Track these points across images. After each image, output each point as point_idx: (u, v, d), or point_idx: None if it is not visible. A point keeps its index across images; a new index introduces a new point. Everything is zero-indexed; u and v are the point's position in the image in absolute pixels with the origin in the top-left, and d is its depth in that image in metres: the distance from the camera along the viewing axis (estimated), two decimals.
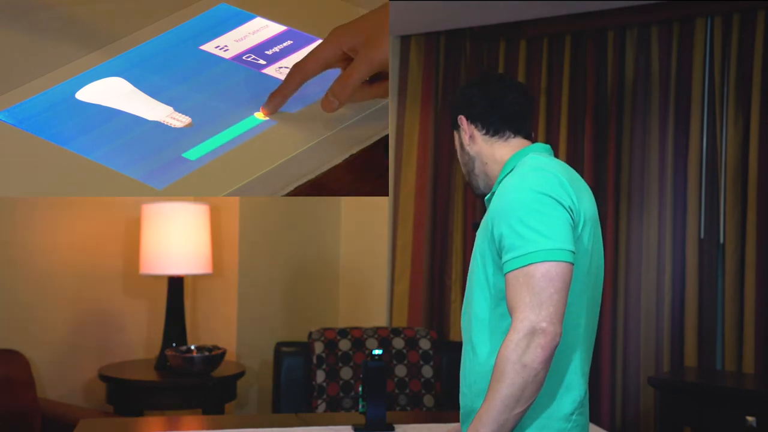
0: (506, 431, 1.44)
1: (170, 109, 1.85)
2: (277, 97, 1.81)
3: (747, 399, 2.85)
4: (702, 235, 3.39)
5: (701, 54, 3.42)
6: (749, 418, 2.81)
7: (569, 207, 1.51)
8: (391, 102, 4.01)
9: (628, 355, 3.50)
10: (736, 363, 3.28)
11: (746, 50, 3.32)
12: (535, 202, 1.49)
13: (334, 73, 1.88)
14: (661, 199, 3.47)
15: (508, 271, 1.48)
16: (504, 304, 1.54)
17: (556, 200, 1.49)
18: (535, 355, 1.40)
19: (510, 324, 1.52)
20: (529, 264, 1.44)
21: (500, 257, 1.53)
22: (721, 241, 3.38)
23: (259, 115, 1.83)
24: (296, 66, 1.79)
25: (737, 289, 3.30)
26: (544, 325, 1.41)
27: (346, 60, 1.77)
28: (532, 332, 1.41)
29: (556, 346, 1.42)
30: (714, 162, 3.38)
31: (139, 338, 3.59)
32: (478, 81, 1.75)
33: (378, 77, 1.79)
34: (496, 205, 1.55)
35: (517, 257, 1.46)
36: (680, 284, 3.41)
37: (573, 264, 1.47)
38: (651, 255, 3.47)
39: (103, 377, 3.15)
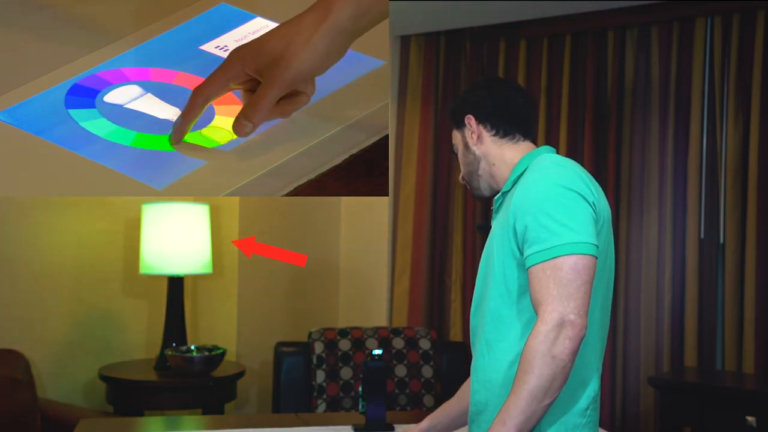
0: (533, 423, 1.44)
1: (176, 109, 1.86)
2: (182, 125, 1.76)
3: (747, 399, 2.85)
4: (702, 235, 3.39)
5: (701, 54, 3.42)
6: (749, 418, 2.81)
7: (593, 202, 1.53)
8: (391, 102, 4.02)
9: (628, 355, 3.50)
10: (736, 363, 3.28)
11: (746, 50, 3.32)
12: (560, 196, 1.50)
13: (334, 69, 1.88)
14: (661, 199, 3.47)
15: (533, 264, 1.48)
16: (524, 300, 1.55)
17: (580, 195, 1.51)
18: (564, 346, 1.41)
19: (529, 319, 1.54)
20: (557, 257, 1.45)
21: (521, 252, 1.53)
22: (721, 241, 3.38)
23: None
24: (197, 90, 1.73)
25: (737, 289, 3.30)
26: (572, 317, 1.42)
27: (251, 81, 1.73)
28: (561, 324, 1.42)
29: (583, 338, 1.44)
30: (714, 162, 3.38)
31: (139, 338, 3.59)
32: (486, 82, 1.77)
33: (292, 93, 1.75)
34: (518, 200, 1.56)
35: (543, 250, 1.47)
36: (680, 284, 3.41)
37: (597, 258, 1.49)
38: (651, 255, 3.47)
39: (103, 377, 3.15)
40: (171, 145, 1.78)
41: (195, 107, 1.74)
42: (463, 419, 1.85)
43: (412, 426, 1.93)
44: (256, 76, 1.72)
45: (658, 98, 3.50)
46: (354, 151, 1.82)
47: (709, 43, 3.42)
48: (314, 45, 1.68)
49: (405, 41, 4.02)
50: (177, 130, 1.77)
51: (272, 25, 2.04)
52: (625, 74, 3.58)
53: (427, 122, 3.97)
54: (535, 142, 1.75)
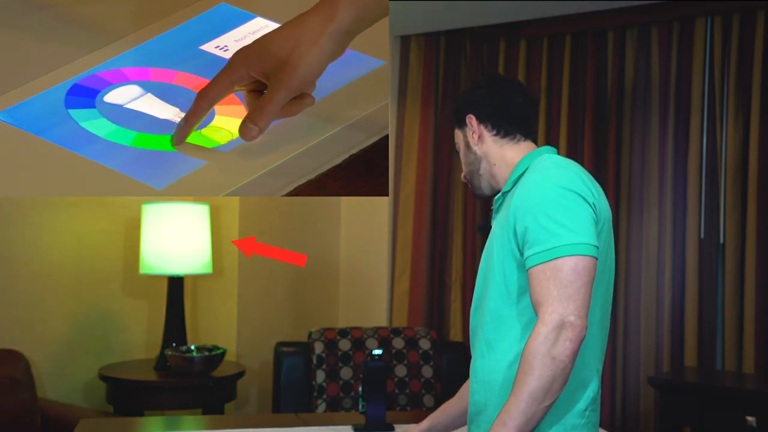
0: (533, 424, 1.45)
1: (176, 109, 1.86)
2: (186, 127, 1.75)
3: (747, 399, 2.85)
4: (702, 235, 3.39)
5: (701, 54, 3.42)
6: (749, 418, 2.81)
7: (593, 203, 1.53)
8: (391, 102, 4.02)
9: (628, 355, 3.50)
10: (736, 363, 3.28)
11: (746, 50, 3.32)
12: (561, 197, 1.50)
13: (334, 69, 1.88)
14: (661, 199, 3.47)
15: (534, 265, 1.48)
16: (524, 300, 1.55)
17: (580, 196, 1.51)
18: (564, 347, 1.41)
19: (529, 319, 1.54)
20: (557, 258, 1.45)
21: (521, 253, 1.53)
22: (721, 241, 3.38)
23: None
24: (201, 94, 1.73)
25: (737, 289, 3.30)
26: (572, 318, 1.42)
27: (255, 82, 1.73)
28: (561, 325, 1.42)
29: (583, 339, 1.44)
30: (714, 162, 3.38)
31: (139, 338, 3.59)
32: (487, 82, 1.76)
33: (299, 95, 1.75)
34: (518, 201, 1.56)
35: (543, 251, 1.47)
36: (680, 284, 3.41)
37: (597, 259, 1.49)
38: (651, 255, 3.47)
39: (103, 377, 3.15)
40: (173, 146, 1.78)
41: (199, 110, 1.74)
42: (463, 419, 1.85)
43: (412, 426, 1.93)
44: (262, 79, 1.72)
45: (658, 98, 3.50)
46: (354, 151, 1.82)
47: (709, 43, 3.42)
48: (321, 47, 1.67)
49: (405, 41, 4.02)
50: (180, 132, 1.77)
51: (272, 25, 2.04)
52: (625, 74, 3.58)
53: (427, 122, 3.97)
54: (536, 141, 1.75)
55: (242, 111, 1.86)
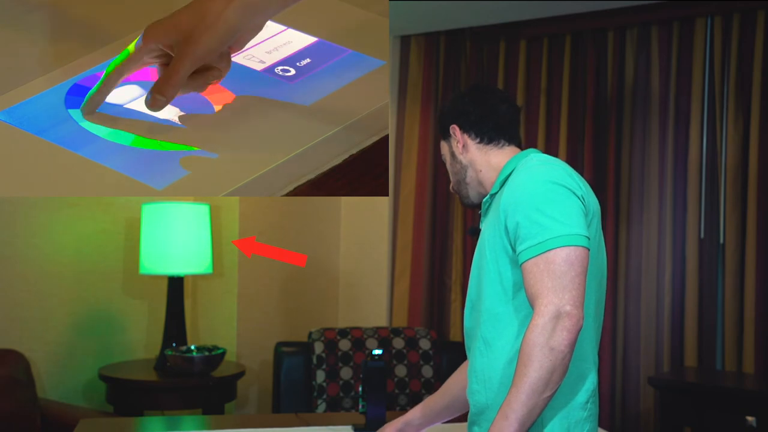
0: (535, 416, 1.45)
1: (176, 109, 1.86)
2: (96, 98, 1.79)
3: (747, 399, 2.85)
4: (702, 235, 3.39)
5: (701, 54, 3.42)
6: (749, 418, 2.81)
7: (581, 196, 1.55)
8: (391, 102, 4.02)
9: (628, 355, 3.50)
10: (736, 363, 3.28)
11: (746, 50, 3.32)
12: (549, 191, 1.52)
13: (334, 69, 1.87)
14: (661, 199, 3.47)
15: (527, 259, 1.49)
16: (520, 296, 1.56)
17: (568, 189, 1.53)
18: (562, 338, 1.42)
19: (525, 316, 1.55)
20: (549, 250, 1.46)
21: (513, 249, 1.54)
22: (721, 241, 3.38)
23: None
24: (112, 65, 1.76)
25: (737, 289, 3.30)
26: (568, 308, 1.43)
27: (166, 55, 1.76)
28: (557, 316, 1.42)
29: (580, 329, 1.44)
30: (714, 162, 3.38)
31: (139, 338, 3.59)
32: (469, 91, 1.80)
33: (204, 68, 1.77)
34: (508, 198, 1.58)
35: (535, 245, 1.48)
36: (680, 284, 3.41)
37: (589, 250, 1.50)
38: (651, 255, 3.47)
39: (103, 377, 3.15)
40: (83, 116, 1.80)
41: (110, 83, 1.77)
42: (444, 414, 1.91)
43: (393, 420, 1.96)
44: (168, 51, 1.74)
45: (658, 98, 3.50)
46: (354, 151, 1.82)
47: (709, 43, 3.42)
48: (225, 20, 1.68)
49: (405, 41, 4.02)
50: (90, 103, 1.80)
51: (272, 24, 2.04)
52: (625, 74, 3.58)
53: (427, 122, 3.97)
54: (519, 146, 1.78)
55: None
